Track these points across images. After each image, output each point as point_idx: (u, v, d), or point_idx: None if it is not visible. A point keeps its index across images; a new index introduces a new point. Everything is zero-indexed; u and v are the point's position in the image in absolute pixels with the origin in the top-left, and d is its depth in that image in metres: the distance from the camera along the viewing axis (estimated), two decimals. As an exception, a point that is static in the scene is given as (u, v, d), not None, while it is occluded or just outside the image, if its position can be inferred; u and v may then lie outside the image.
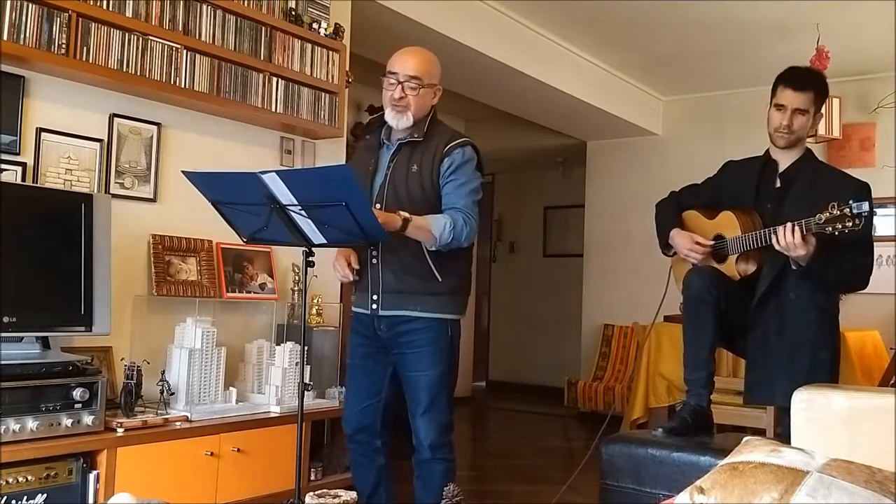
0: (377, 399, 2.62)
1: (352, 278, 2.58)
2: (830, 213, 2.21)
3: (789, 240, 2.32)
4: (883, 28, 4.84)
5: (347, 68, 3.79)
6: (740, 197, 2.68)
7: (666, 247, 2.84)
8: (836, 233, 2.22)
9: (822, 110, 2.73)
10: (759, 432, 3.81)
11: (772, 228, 2.43)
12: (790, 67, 2.67)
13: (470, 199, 2.50)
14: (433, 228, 2.40)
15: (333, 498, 1.93)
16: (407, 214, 2.35)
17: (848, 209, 2.19)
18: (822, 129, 5.00)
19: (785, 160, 2.65)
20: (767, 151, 2.70)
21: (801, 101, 2.56)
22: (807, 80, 2.60)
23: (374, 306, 2.55)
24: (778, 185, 2.64)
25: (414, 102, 2.50)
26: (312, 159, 3.82)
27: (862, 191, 2.45)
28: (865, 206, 2.18)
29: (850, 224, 2.19)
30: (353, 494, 1.96)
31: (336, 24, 3.76)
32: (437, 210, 2.50)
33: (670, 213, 2.85)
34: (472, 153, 2.55)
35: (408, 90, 2.49)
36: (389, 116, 2.54)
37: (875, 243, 2.54)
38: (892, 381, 4.27)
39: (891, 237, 5.71)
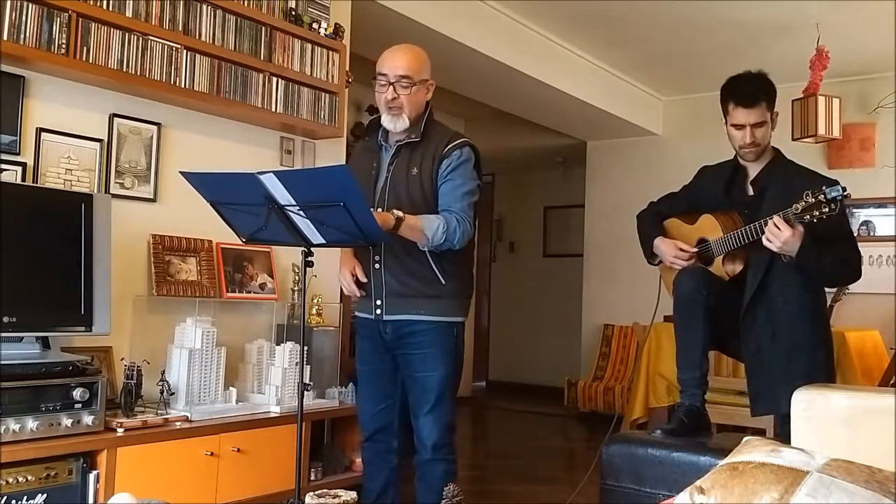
0: (393, 400, 2.63)
1: (358, 294, 2.58)
2: (806, 202, 2.25)
3: (776, 232, 2.32)
4: (883, 28, 4.84)
5: (347, 68, 3.79)
6: (715, 204, 2.71)
7: (651, 256, 2.86)
8: (815, 220, 2.25)
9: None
10: (759, 432, 3.82)
11: (755, 224, 2.45)
12: (734, 81, 2.65)
13: (465, 202, 2.49)
14: (426, 229, 2.40)
15: (333, 498, 1.93)
16: (400, 214, 2.34)
17: (822, 195, 2.22)
18: (822, 129, 5.01)
19: (754, 167, 2.67)
20: (736, 157, 2.71)
21: (756, 115, 2.56)
22: (755, 94, 2.58)
23: (379, 311, 2.54)
24: (751, 192, 2.67)
25: (407, 101, 2.49)
26: (312, 159, 3.82)
27: (834, 183, 2.46)
28: (838, 190, 2.21)
29: (827, 210, 2.22)
30: (353, 494, 1.96)
31: (336, 24, 3.76)
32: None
33: (652, 222, 2.88)
34: (470, 153, 2.54)
35: (399, 90, 2.48)
36: (386, 121, 2.53)
37: (875, 243, 2.55)
38: (892, 381, 4.27)
39: (891, 237, 5.72)
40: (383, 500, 2.64)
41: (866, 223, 5.84)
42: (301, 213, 2.20)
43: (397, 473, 2.67)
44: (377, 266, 2.53)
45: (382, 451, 2.65)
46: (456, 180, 2.49)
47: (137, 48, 2.94)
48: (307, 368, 3.03)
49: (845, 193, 2.22)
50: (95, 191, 2.96)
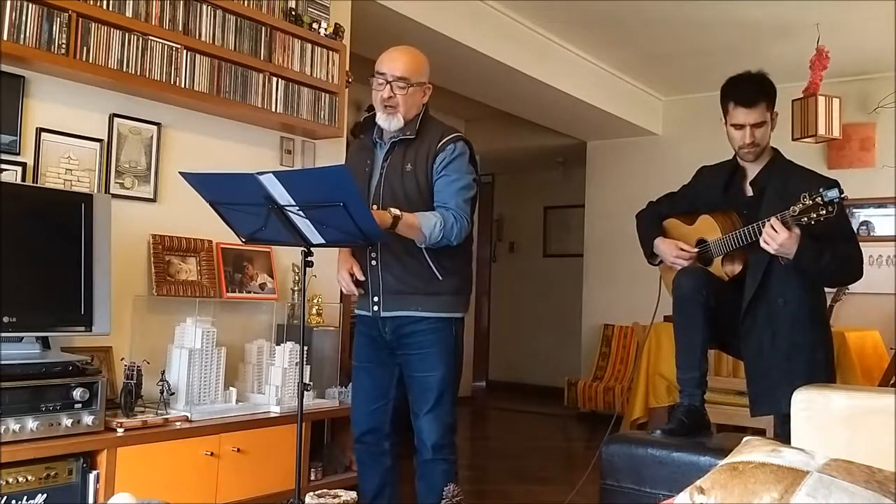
0: (386, 401, 2.62)
1: (357, 293, 2.58)
2: (803, 204, 2.25)
3: (773, 234, 2.32)
4: (883, 28, 4.84)
5: (347, 68, 3.79)
6: (713, 204, 2.71)
7: (651, 256, 2.86)
8: (812, 222, 2.25)
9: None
10: (759, 432, 3.82)
11: (754, 225, 2.45)
12: (734, 81, 2.66)
13: (460, 198, 2.48)
14: (423, 227, 2.39)
15: (333, 498, 1.93)
16: (398, 212, 2.34)
17: (819, 198, 2.22)
18: (822, 129, 5.01)
19: (753, 167, 2.67)
20: (735, 157, 2.70)
21: (756, 115, 2.56)
22: (755, 94, 2.58)
23: (376, 308, 2.54)
24: (750, 192, 2.67)
25: (403, 102, 2.49)
26: (312, 159, 3.82)
27: (833, 184, 2.45)
28: (835, 192, 2.21)
29: (824, 212, 2.22)
30: (353, 494, 1.96)
31: (336, 24, 3.76)
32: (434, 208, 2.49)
33: (651, 222, 2.88)
34: (463, 147, 2.53)
35: (396, 90, 2.48)
36: (381, 119, 2.53)
37: (875, 243, 2.55)
38: (892, 381, 4.27)
39: (891, 237, 5.72)
40: (379, 501, 2.63)
41: (866, 223, 5.84)
42: (300, 213, 2.20)
43: (393, 474, 2.65)
44: (374, 263, 2.53)
45: (375, 452, 2.63)
46: (451, 176, 2.49)
47: (137, 48, 2.94)
48: (307, 368, 3.03)
49: (842, 195, 2.22)
50: (95, 191, 2.96)
